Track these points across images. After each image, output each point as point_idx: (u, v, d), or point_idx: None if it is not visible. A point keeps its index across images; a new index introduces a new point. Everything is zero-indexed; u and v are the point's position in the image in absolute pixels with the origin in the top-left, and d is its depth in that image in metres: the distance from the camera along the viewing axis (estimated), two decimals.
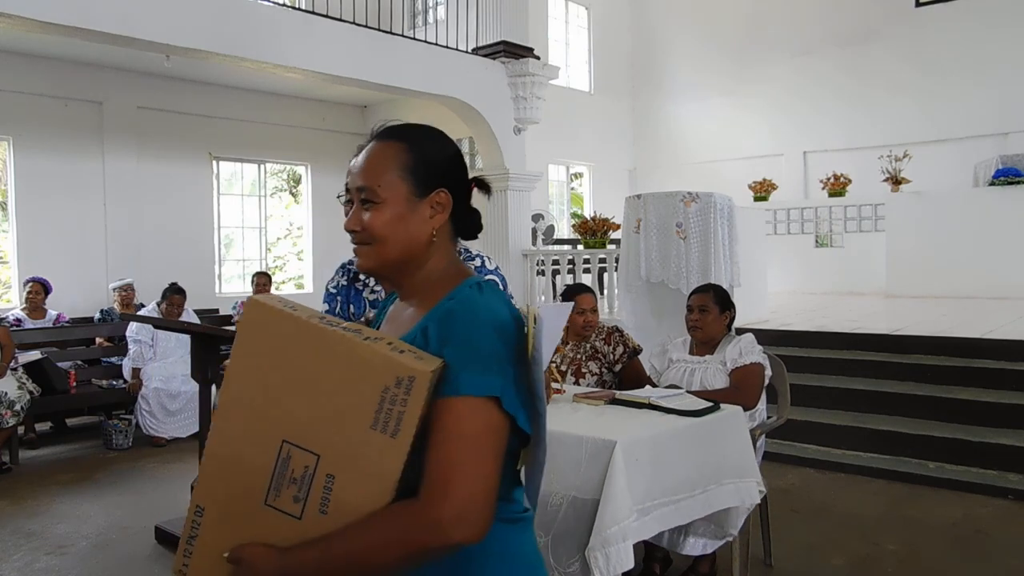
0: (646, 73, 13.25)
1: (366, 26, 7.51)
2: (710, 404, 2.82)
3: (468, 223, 1.21)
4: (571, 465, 2.40)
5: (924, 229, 8.51)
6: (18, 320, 6.19)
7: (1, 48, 7.29)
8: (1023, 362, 5.07)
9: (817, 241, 10.22)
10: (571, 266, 8.28)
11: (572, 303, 3.45)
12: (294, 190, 11.23)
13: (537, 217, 9.95)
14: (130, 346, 6.13)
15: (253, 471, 1.02)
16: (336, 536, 0.98)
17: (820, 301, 8.81)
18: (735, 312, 3.53)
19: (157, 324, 5.50)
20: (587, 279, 7.54)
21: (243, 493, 1.03)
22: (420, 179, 1.14)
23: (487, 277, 1.92)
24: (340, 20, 7.33)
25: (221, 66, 7.32)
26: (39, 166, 7.74)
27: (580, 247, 7.56)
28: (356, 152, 1.71)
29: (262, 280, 7.32)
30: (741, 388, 3.25)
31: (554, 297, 7.75)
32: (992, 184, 8.39)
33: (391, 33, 7.82)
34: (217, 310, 8.29)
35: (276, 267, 10.92)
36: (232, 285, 9.60)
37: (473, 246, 2.12)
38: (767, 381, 3.39)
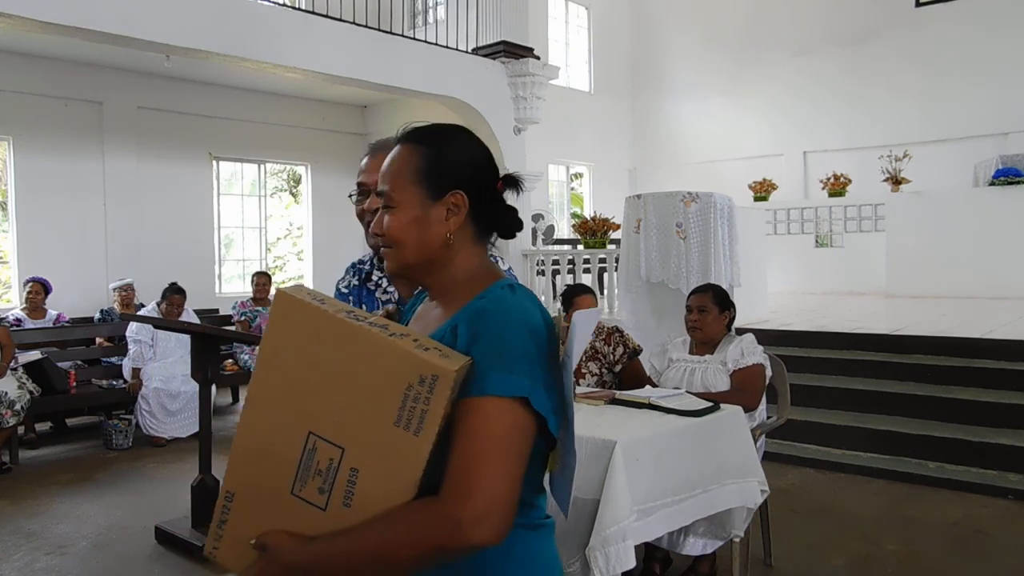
0: (646, 73, 13.25)
1: (366, 26, 7.52)
2: (710, 404, 2.82)
3: (503, 222, 1.19)
4: None
5: (924, 229, 8.51)
6: (18, 320, 6.19)
7: (1, 48, 7.29)
8: (1023, 362, 5.07)
9: (817, 241, 10.22)
10: (571, 266, 8.28)
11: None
12: (294, 190, 11.23)
13: (537, 217, 9.95)
14: (130, 346, 6.13)
15: (281, 461, 1.04)
16: (357, 530, 0.98)
17: (820, 301, 8.81)
18: (735, 312, 3.53)
19: (157, 324, 5.50)
20: (587, 279, 7.54)
21: (271, 482, 1.04)
22: (433, 182, 1.13)
23: None
24: (340, 20, 7.34)
25: (221, 66, 7.32)
26: (39, 166, 7.74)
27: (580, 247, 7.56)
28: (367, 151, 1.71)
29: (262, 280, 7.32)
30: (744, 390, 3.25)
31: (554, 298, 7.75)
32: (992, 184, 8.39)
33: (391, 33, 7.82)
34: (217, 310, 8.29)
35: (276, 267, 10.92)
36: (232, 285, 9.60)
37: None
38: (767, 381, 3.39)
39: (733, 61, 12.19)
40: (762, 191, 10.66)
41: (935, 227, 8.44)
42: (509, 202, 1.21)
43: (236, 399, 7.65)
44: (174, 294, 6.29)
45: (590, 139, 12.31)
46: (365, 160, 1.73)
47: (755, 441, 3.22)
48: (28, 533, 4.02)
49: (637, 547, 2.40)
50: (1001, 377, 5.03)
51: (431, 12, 9.99)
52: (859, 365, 5.54)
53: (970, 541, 3.74)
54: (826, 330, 6.10)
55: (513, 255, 8.05)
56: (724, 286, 5.23)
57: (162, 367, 6.11)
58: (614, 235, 7.09)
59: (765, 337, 4.32)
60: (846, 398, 5.30)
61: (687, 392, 3.10)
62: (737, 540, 2.84)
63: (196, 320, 6.49)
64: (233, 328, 7.04)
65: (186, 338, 4.89)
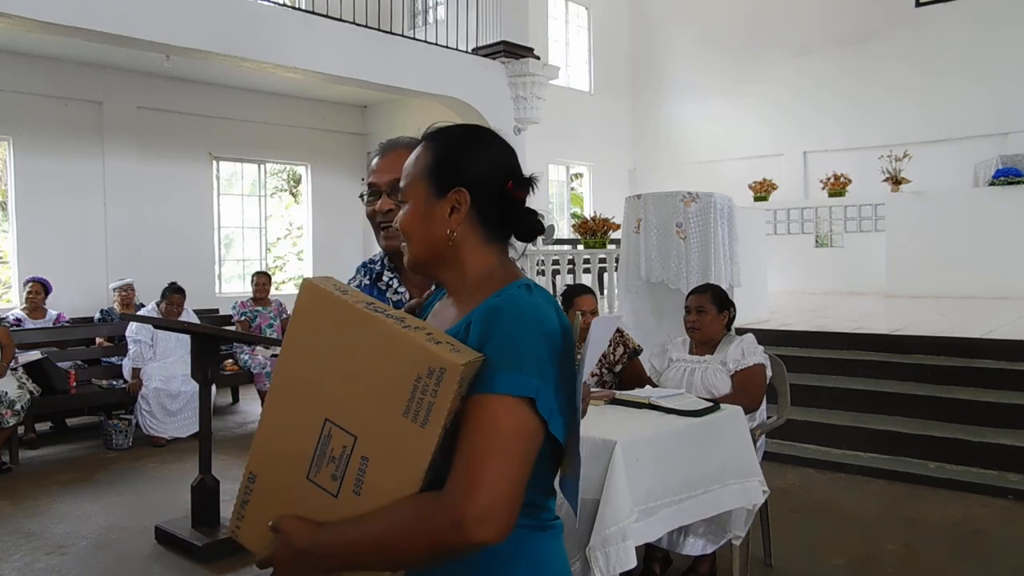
0: (646, 73, 13.25)
1: (366, 26, 7.52)
2: (710, 404, 2.82)
3: (519, 224, 1.18)
4: None
5: (924, 229, 8.51)
6: (18, 320, 6.19)
7: (1, 48, 7.29)
8: (1023, 362, 5.07)
9: (817, 241, 10.22)
10: (571, 266, 8.28)
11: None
12: (294, 190, 11.23)
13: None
14: (130, 346, 6.13)
15: (299, 446, 1.06)
16: (363, 520, 1.00)
17: (820, 301, 8.81)
18: (735, 311, 3.53)
19: (157, 324, 5.50)
20: (587, 279, 7.53)
21: (289, 466, 1.07)
22: (438, 179, 1.15)
23: None
24: (340, 20, 7.34)
25: (221, 66, 7.33)
26: (39, 166, 7.74)
27: (580, 247, 7.55)
28: (377, 151, 1.71)
29: (262, 280, 7.32)
30: (746, 391, 3.25)
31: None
32: (992, 184, 8.39)
33: (391, 33, 7.83)
34: (217, 310, 8.29)
35: (276, 267, 10.92)
36: (232, 285, 9.60)
37: None
38: (768, 381, 3.39)
39: (733, 61, 12.19)
40: (762, 191, 10.66)
41: (935, 227, 8.44)
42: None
43: (236, 399, 7.65)
44: (174, 293, 6.29)
45: (590, 139, 12.31)
46: (376, 160, 1.70)
47: (755, 441, 3.22)
48: (28, 533, 4.02)
49: (637, 547, 2.40)
50: (1001, 377, 5.03)
51: (431, 12, 9.99)
52: (859, 365, 5.54)
53: (970, 541, 3.74)
54: (826, 330, 6.10)
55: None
56: (724, 286, 5.24)
57: (162, 367, 6.11)
58: (614, 235, 7.08)
59: (765, 337, 4.32)
60: (846, 398, 5.30)
61: (687, 392, 3.10)
62: (736, 542, 2.84)
63: (196, 320, 6.49)
64: (233, 328, 7.04)
65: (186, 338, 4.89)
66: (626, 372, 3.54)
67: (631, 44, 13.36)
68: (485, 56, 8.55)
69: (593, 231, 7.07)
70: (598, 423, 2.60)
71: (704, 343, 3.44)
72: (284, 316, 7.33)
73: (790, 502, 4.27)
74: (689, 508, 2.56)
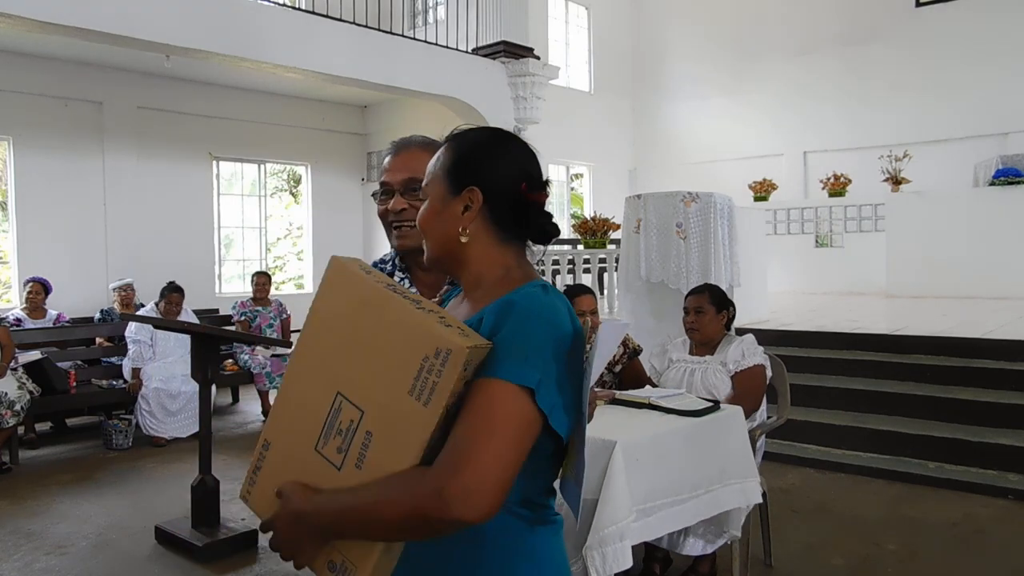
0: (646, 73, 13.25)
1: (366, 26, 7.52)
2: (710, 404, 2.82)
3: (534, 225, 1.20)
4: None
5: (924, 229, 8.51)
6: (18, 320, 6.19)
7: (1, 48, 7.29)
8: (1023, 362, 5.07)
9: (817, 241, 10.22)
10: (571, 266, 8.28)
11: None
12: (294, 190, 11.23)
13: None
14: (129, 346, 6.13)
15: (311, 417, 1.10)
16: (356, 488, 1.03)
17: (820, 301, 8.81)
18: (734, 311, 3.52)
19: (157, 324, 5.50)
20: (587, 279, 7.53)
21: (301, 436, 1.10)
22: (454, 177, 1.18)
23: None
24: (340, 20, 7.34)
25: (221, 66, 7.33)
26: (39, 166, 7.74)
27: (580, 247, 7.55)
28: (389, 150, 1.72)
29: (262, 280, 7.32)
30: (747, 393, 3.24)
31: None
32: (992, 184, 8.39)
33: (391, 33, 7.83)
34: (217, 310, 8.29)
35: (276, 267, 10.92)
36: (232, 285, 9.60)
37: None
38: (768, 381, 3.39)
39: (733, 61, 12.18)
40: (762, 191, 10.66)
41: (935, 227, 8.44)
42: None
43: (236, 399, 7.65)
44: (172, 293, 6.29)
45: (590, 139, 12.31)
46: (388, 159, 1.70)
47: (755, 441, 3.22)
48: (28, 533, 4.03)
49: (637, 547, 2.40)
50: (1001, 377, 5.03)
51: (431, 12, 9.99)
52: (859, 365, 5.54)
53: (970, 541, 3.74)
54: (826, 330, 6.10)
55: None
56: (724, 286, 5.24)
57: (162, 367, 6.11)
58: (614, 235, 7.09)
59: (765, 337, 4.32)
60: (846, 398, 5.30)
61: (687, 392, 3.10)
62: (733, 541, 2.84)
63: (195, 319, 6.49)
64: (233, 328, 7.04)
65: (185, 338, 4.90)
66: (626, 372, 3.54)
67: (631, 44, 13.36)
68: (485, 56, 8.55)
69: (593, 231, 7.07)
70: (598, 423, 2.58)
71: (704, 344, 3.44)
72: (284, 316, 7.33)
73: (790, 502, 4.28)
74: (689, 509, 2.56)
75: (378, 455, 1.03)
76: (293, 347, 1.18)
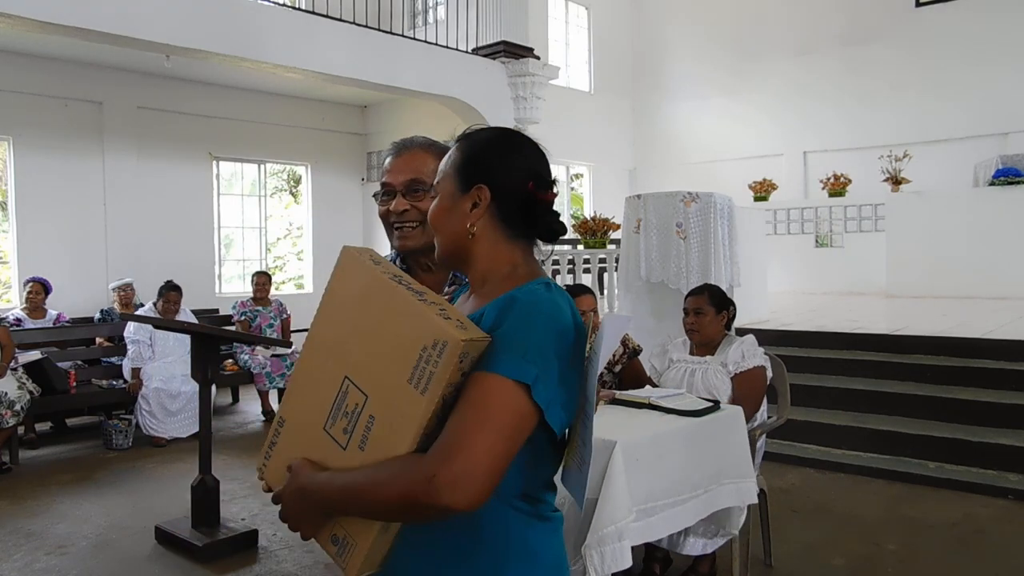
0: (646, 73, 13.25)
1: (366, 26, 7.52)
2: (710, 404, 2.82)
3: (540, 224, 1.22)
4: None
5: (924, 229, 8.51)
6: (18, 320, 6.19)
7: (1, 48, 7.29)
8: (1023, 362, 5.07)
9: (817, 241, 10.22)
10: (571, 266, 8.28)
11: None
12: (294, 190, 11.23)
13: None
14: (128, 346, 6.13)
15: (322, 398, 1.15)
16: (356, 469, 1.08)
17: (820, 301, 8.81)
18: (734, 310, 3.52)
19: (158, 324, 5.50)
20: (587, 279, 7.53)
21: (312, 415, 1.16)
22: (463, 175, 1.21)
23: None
24: (340, 20, 7.34)
25: (221, 66, 7.33)
26: (39, 166, 7.74)
27: (580, 247, 7.56)
28: (390, 150, 1.73)
29: (262, 280, 7.32)
30: (747, 395, 3.24)
31: None
32: (992, 184, 8.39)
33: (391, 33, 7.83)
34: (217, 310, 8.29)
35: (276, 267, 10.92)
36: (232, 285, 9.60)
37: None
38: (768, 382, 3.38)
39: (733, 61, 12.18)
40: (762, 191, 10.66)
41: (935, 227, 8.44)
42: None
43: (236, 399, 7.65)
44: (170, 291, 6.29)
45: (590, 139, 12.31)
46: (389, 160, 1.69)
47: (755, 441, 3.22)
48: (28, 533, 4.03)
49: (637, 547, 2.40)
50: (1001, 377, 5.03)
51: (431, 12, 9.99)
52: (859, 365, 5.54)
53: (970, 541, 3.74)
54: (826, 330, 6.10)
55: None
56: (724, 286, 5.24)
57: (162, 367, 6.11)
58: (614, 235, 7.09)
59: (765, 337, 4.33)
60: (846, 398, 5.30)
61: (687, 392, 3.10)
62: (732, 538, 2.84)
63: (192, 318, 6.50)
64: (233, 328, 7.04)
65: (185, 337, 4.90)
66: (626, 372, 3.54)
67: (631, 44, 13.36)
68: (485, 56, 8.55)
69: (593, 231, 7.07)
70: (598, 423, 2.57)
71: (704, 344, 3.44)
72: (284, 316, 7.33)
73: (790, 502, 4.28)
74: (689, 509, 2.57)
75: (379, 438, 1.07)
76: (308, 332, 1.22)
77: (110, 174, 8.18)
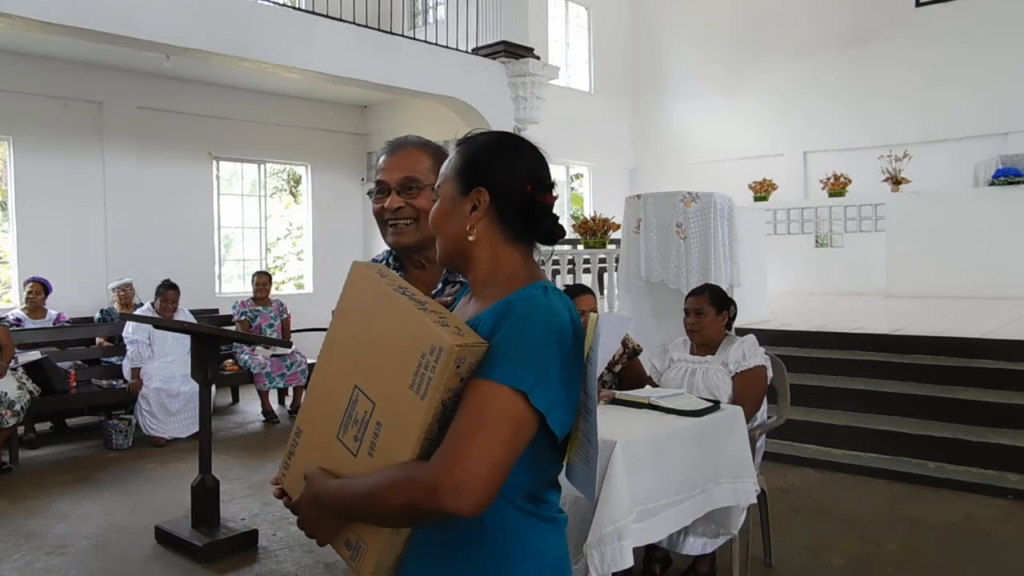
0: (646, 73, 13.25)
1: (366, 26, 7.52)
2: (710, 404, 2.82)
3: (540, 226, 1.23)
4: None
5: (924, 229, 8.51)
6: (18, 320, 6.19)
7: (1, 48, 7.29)
8: (1023, 362, 5.07)
9: (817, 241, 10.22)
10: (571, 266, 8.28)
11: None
12: (294, 190, 11.23)
13: None
14: (128, 347, 6.13)
15: (334, 407, 1.19)
16: (364, 476, 1.10)
17: (820, 301, 8.81)
18: (735, 310, 3.52)
19: (158, 324, 5.50)
20: (587, 279, 7.53)
21: (326, 424, 1.20)
22: (463, 178, 1.23)
23: None
24: (340, 20, 7.34)
25: (221, 66, 7.32)
26: (39, 166, 7.73)
27: (580, 247, 7.56)
28: (384, 149, 1.74)
29: (263, 280, 7.32)
30: (748, 395, 3.24)
31: None
32: (992, 184, 8.39)
33: (391, 33, 7.83)
34: (217, 310, 8.29)
35: (276, 267, 10.91)
36: (232, 285, 9.60)
37: None
38: (768, 382, 3.38)
39: (733, 61, 12.18)
40: (762, 191, 10.66)
41: (935, 227, 8.44)
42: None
43: (236, 399, 7.65)
44: (168, 290, 6.30)
45: (590, 139, 12.30)
46: (383, 158, 1.71)
47: (755, 441, 3.22)
48: (28, 533, 4.03)
49: (637, 547, 2.40)
50: (1001, 377, 5.03)
51: (431, 12, 9.99)
52: (859, 365, 5.54)
53: (970, 541, 3.74)
54: (826, 330, 6.10)
55: None
56: (724, 286, 5.24)
57: (162, 367, 6.11)
58: (614, 235, 7.09)
59: (765, 337, 4.32)
60: (846, 398, 5.30)
61: (687, 392, 3.10)
62: (731, 538, 2.84)
63: (191, 317, 6.50)
64: (233, 328, 7.04)
65: (184, 336, 4.89)
66: (626, 372, 3.54)
67: (631, 44, 13.35)
68: (485, 56, 8.55)
69: (593, 231, 7.07)
70: (598, 423, 2.60)
71: (705, 344, 3.44)
72: (284, 316, 7.33)
73: (790, 502, 4.28)
74: (687, 508, 2.57)
75: (386, 444, 1.10)
76: (323, 343, 1.27)
77: (110, 174, 8.18)
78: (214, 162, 9.21)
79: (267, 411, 6.83)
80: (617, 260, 6.58)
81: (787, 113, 11.71)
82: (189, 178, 8.90)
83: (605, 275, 7.45)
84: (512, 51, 8.54)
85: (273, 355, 6.91)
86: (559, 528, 1.19)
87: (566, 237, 10.95)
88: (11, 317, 6.19)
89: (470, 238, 1.21)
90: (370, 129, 10.54)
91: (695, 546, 2.94)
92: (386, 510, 1.06)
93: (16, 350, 5.50)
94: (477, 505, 1.00)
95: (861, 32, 11.10)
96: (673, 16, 12.89)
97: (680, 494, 2.53)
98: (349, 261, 1.94)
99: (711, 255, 5.50)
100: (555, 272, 8.32)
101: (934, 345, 5.47)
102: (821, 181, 10.51)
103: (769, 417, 3.56)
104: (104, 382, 6.26)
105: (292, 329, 7.45)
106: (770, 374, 3.37)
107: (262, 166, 9.82)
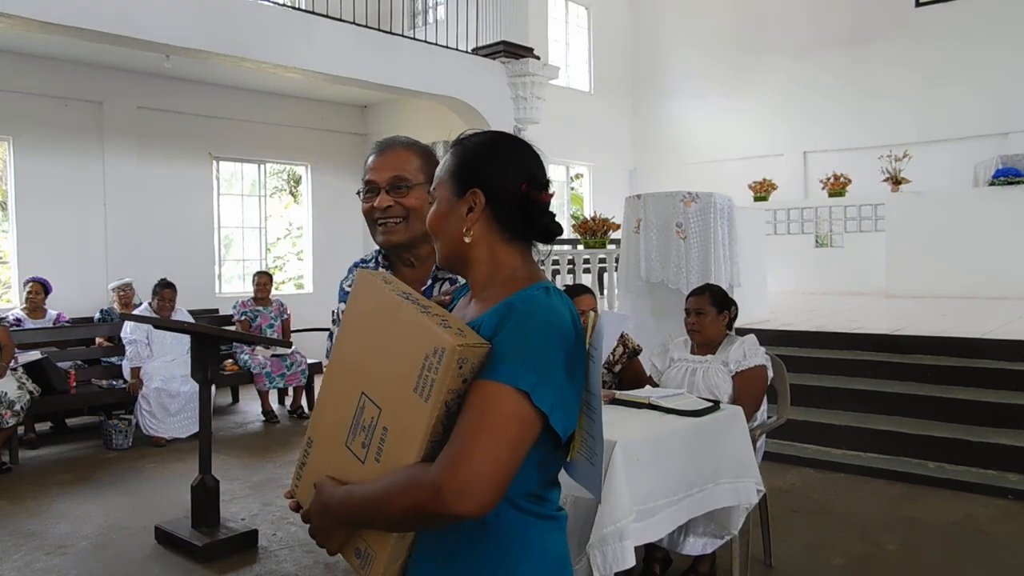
0: (646, 73, 13.25)
1: (366, 26, 7.52)
2: (710, 404, 2.82)
3: (537, 225, 1.23)
4: None
5: (924, 229, 8.51)
6: (18, 320, 6.19)
7: (1, 48, 7.29)
8: (1023, 362, 5.07)
9: (817, 241, 10.22)
10: (571, 266, 8.28)
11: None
12: (294, 190, 11.23)
13: None
14: (126, 347, 6.13)
15: (342, 415, 1.20)
16: (370, 483, 1.10)
17: (820, 301, 8.81)
18: (736, 310, 3.52)
19: (158, 325, 5.50)
20: (587, 279, 7.53)
21: (335, 433, 1.21)
22: (458, 180, 1.23)
23: None
24: (340, 20, 7.34)
25: (221, 66, 7.32)
26: (39, 166, 7.74)
27: (580, 247, 7.56)
28: (373, 149, 1.75)
29: (263, 280, 7.32)
30: (748, 394, 3.24)
31: None
32: (992, 184, 8.39)
33: (391, 33, 7.83)
34: (217, 310, 8.29)
35: (276, 267, 10.91)
36: (232, 285, 9.60)
37: None
38: (768, 382, 3.38)
39: (733, 61, 12.18)
40: (762, 191, 10.66)
41: (935, 227, 8.44)
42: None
43: (236, 399, 7.65)
44: (165, 289, 6.31)
45: (590, 139, 12.31)
46: (372, 158, 1.73)
47: (755, 441, 3.22)
48: (28, 533, 4.03)
49: (638, 547, 2.40)
50: (1001, 377, 5.03)
51: (431, 12, 9.99)
52: (859, 365, 5.54)
53: (970, 541, 3.74)
54: (826, 330, 6.10)
55: None
56: (724, 286, 5.24)
57: (162, 367, 6.11)
58: (614, 235, 7.09)
59: (765, 337, 4.32)
60: (846, 398, 5.30)
61: (688, 392, 3.10)
62: (731, 538, 2.84)
63: (188, 316, 6.50)
64: (233, 328, 7.04)
65: (184, 335, 4.89)
66: (626, 372, 3.54)
67: (631, 44, 13.35)
68: (485, 56, 8.55)
69: (593, 231, 7.07)
70: None
71: (705, 344, 3.44)
72: (284, 316, 7.33)
73: (790, 502, 4.28)
74: (685, 508, 2.57)
75: (392, 448, 1.11)
76: (330, 352, 1.28)
77: (110, 174, 8.18)
78: (214, 162, 9.21)
79: (267, 411, 6.83)
80: (617, 260, 6.58)
81: (787, 113, 11.71)
82: (189, 178, 8.90)
83: (605, 275, 7.44)
84: (512, 51, 8.54)
85: (273, 355, 6.91)
86: (560, 526, 1.19)
87: (566, 237, 10.98)
88: (11, 317, 6.19)
89: (467, 240, 1.21)
90: (370, 129, 10.54)
91: (695, 546, 2.94)
92: (392, 514, 1.06)
93: (16, 350, 5.50)
94: (482, 506, 0.99)
95: (861, 32, 11.10)
96: (673, 16, 12.90)
97: (679, 494, 2.53)
98: (349, 261, 1.95)
99: (711, 255, 5.50)
100: (555, 272, 8.32)
101: (934, 345, 5.47)
102: (821, 181, 10.51)
103: (769, 417, 3.56)
104: (104, 382, 6.26)
105: (292, 329, 7.45)
106: (770, 374, 3.38)
107: (262, 166, 9.82)
